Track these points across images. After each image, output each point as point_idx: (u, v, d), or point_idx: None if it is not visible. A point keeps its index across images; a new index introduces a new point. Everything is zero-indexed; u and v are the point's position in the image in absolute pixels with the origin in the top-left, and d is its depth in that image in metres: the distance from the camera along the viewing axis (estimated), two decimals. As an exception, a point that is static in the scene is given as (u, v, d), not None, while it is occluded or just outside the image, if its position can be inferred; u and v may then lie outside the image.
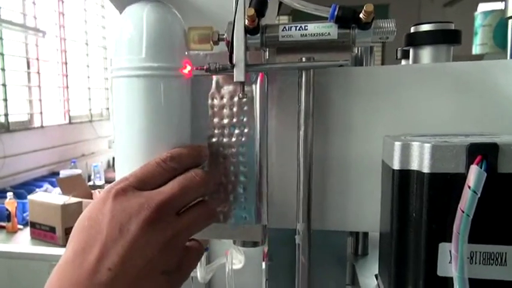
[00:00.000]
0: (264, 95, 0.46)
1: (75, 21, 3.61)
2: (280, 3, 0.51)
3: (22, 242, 1.95)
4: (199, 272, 0.59)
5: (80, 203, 1.94)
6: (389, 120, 0.47)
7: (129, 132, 0.41)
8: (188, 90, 0.43)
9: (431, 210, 0.36)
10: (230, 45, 0.42)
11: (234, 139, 0.46)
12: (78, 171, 2.80)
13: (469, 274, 0.34)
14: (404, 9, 4.68)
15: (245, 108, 0.45)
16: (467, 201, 0.33)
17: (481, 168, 0.33)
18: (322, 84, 0.47)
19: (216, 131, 0.46)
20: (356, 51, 0.59)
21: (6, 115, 2.76)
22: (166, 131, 0.41)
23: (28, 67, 3.05)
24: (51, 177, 2.91)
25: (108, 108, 4.21)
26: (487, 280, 0.35)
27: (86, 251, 0.34)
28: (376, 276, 0.48)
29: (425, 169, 0.36)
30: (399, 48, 0.74)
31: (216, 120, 0.46)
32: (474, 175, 0.33)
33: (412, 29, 0.56)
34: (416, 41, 0.55)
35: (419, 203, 0.37)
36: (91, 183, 3.01)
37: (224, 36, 0.44)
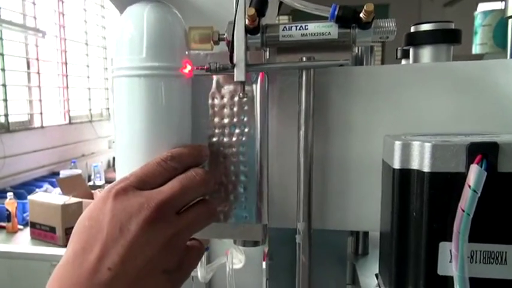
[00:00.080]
0: (264, 94, 0.46)
1: (75, 21, 3.61)
2: (281, 3, 0.52)
3: (22, 242, 1.95)
4: (200, 272, 0.59)
5: (80, 203, 1.95)
6: (389, 119, 0.47)
7: (130, 132, 0.41)
8: (189, 90, 0.43)
9: (431, 209, 0.36)
10: (230, 45, 0.42)
11: (234, 139, 0.46)
12: (78, 171, 2.80)
13: (469, 273, 0.34)
14: (405, 9, 4.68)
15: (245, 107, 0.46)
16: (467, 200, 0.33)
17: (481, 167, 0.33)
18: (322, 84, 0.48)
19: (216, 131, 0.46)
20: (356, 51, 0.59)
21: (6, 115, 2.77)
22: (167, 131, 0.41)
23: (28, 67, 3.05)
24: (51, 177, 2.91)
25: (108, 109, 4.21)
26: (487, 279, 0.35)
27: (86, 250, 0.34)
28: (376, 275, 0.48)
29: (426, 168, 0.36)
30: (399, 48, 0.74)
31: (216, 119, 0.46)
32: (474, 174, 0.33)
33: (412, 29, 0.56)
34: (416, 40, 0.55)
35: (420, 202, 0.37)
36: (91, 183, 3.02)
37: (224, 36, 0.44)
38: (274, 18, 0.63)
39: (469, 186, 0.33)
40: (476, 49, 1.61)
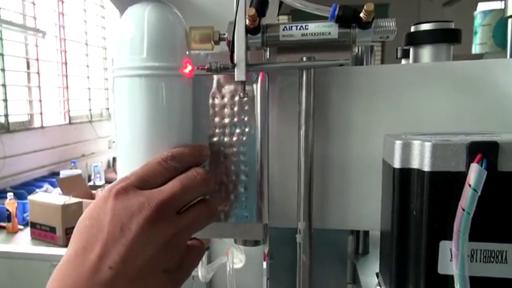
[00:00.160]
0: (264, 94, 0.46)
1: (75, 21, 3.61)
2: (281, 3, 0.52)
3: (22, 243, 1.95)
4: (201, 271, 0.59)
5: (80, 203, 1.95)
6: (389, 119, 0.47)
7: (131, 132, 0.41)
8: (189, 89, 0.43)
9: (432, 208, 0.36)
10: (231, 44, 0.42)
11: (235, 138, 0.46)
12: (78, 171, 2.80)
13: (469, 272, 0.34)
14: (404, 9, 4.68)
15: (246, 107, 0.46)
16: (467, 199, 0.33)
17: (481, 166, 0.33)
18: (322, 84, 0.48)
19: (217, 130, 0.46)
20: (356, 51, 0.59)
21: (6, 115, 2.77)
22: (168, 131, 0.41)
23: (28, 67, 3.05)
24: (52, 177, 2.91)
25: (108, 109, 4.21)
26: (488, 278, 0.36)
27: (87, 249, 0.34)
28: (377, 274, 0.49)
29: (426, 167, 0.36)
30: (399, 48, 0.74)
31: (217, 119, 0.46)
32: (474, 173, 0.33)
33: (413, 28, 0.56)
34: (416, 40, 0.55)
35: (420, 202, 0.37)
36: (91, 183, 3.02)
37: (225, 36, 0.44)
38: (275, 18, 0.64)
39: (470, 185, 0.33)
40: (476, 49, 1.61)
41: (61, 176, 2.63)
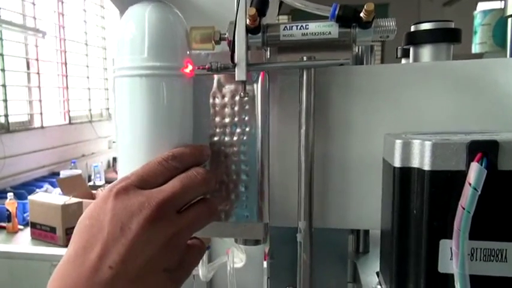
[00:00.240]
0: (265, 94, 0.46)
1: (74, 21, 3.61)
2: (281, 3, 0.52)
3: (22, 243, 1.95)
4: (201, 270, 0.60)
5: (80, 203, 1.95)
6: (389, 118, 0.47)
7: (132, 132, 0.41)
8: (190, 89, 0.43)
9: (432, 207, 0.36)
10: (232, 44, 0.42)
11: (235, 138, 0.46)
12: (78, 171, 2.80)
13: (469, 271, 0.34)
14: (404, 9, 4.68)
15: (246, 107, 0.46)
16: (467, 198, 0.33)
17: (481, 165, 0.33)
18: (323, 83, 0.48)
19: (217, 130, 0.46)
20: (356, 50, 0.59)
21: (6, 116, 2.77)
22: (169, 130, 0.41)
23: (28, 68, 3.05)
24: (52, 177, 2.91)
25: (108, 109, 4.21)
26: (488, 276, 0.36)
27: (87, 249, 0.34)
28: (377, 273, 0.49)
29: (426, 167, 0.36)
30: (399, 47, 0.74)
31: (217, 119, 0.46)
32: (474, 172, 0.33)
33: (413, 28, 0.56)
34: (416, 39, 0.55)
35: (420, 200, 0.37)
36: (91, 183, 3.02)
37: (226, 36, 0.44)
38: (275, 17, 0.64)
39: (470, 184, 0.33)
40: (475, 48, 1.62)
41: (61, 176, 2.63)
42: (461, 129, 0.44)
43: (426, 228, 0.36)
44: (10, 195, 2.09)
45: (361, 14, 0.42)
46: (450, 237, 0.35)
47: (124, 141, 0.42)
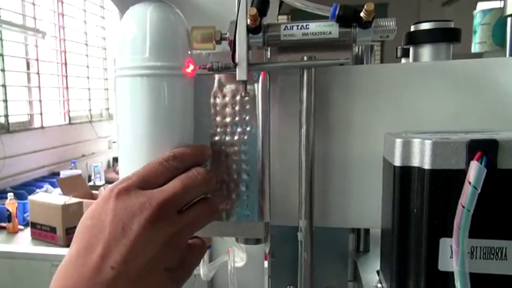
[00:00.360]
0: (266, 93, 0.46)
1: (74, 22, 3.61)
2: (281, 3, 0.52)
3: (23, 243, 1.95)
4: (203, 270, 0.60)
5: (81, 203, 1.95)
6: (390, 117, 0.48)
7: (133, 132, 0.41)
8: (191, 89, 0.43)
9: (432, 206, 0.36)
10: (233, 44, 0.42)
11: (236, 137, 0.46)
12: (78, 171, 2.81)
13: (469, 269, 0.34)
14: (403, 8, 4.68)
15: (247, 106, 0.46)
16: (467, 196, 0.33)
17: (481, 164, 0.34)
18: (323, 83, 0.48)
19: (218, 130, 0.47)
20: (356, 50, 0.59)
21: (6, 116, 2.77)
22: (170, 130, 0.41)
23: (28, 68, 3.05)
24: (52, 177, 2.92)
25: (108, 109, 4.22)
26: (488, 274, 0.36)
27: (89, 250, 0.35)
28: (377, 272, 0.49)
29: (426, 165, 0.36)
30: (399, 47, 0.74)
31: (218, 118, 0.47)
32: (474, 171, 0.34)
33: (412, 28, 0.56)
34: (416, 39, 0.55)
35: (420, 199, 0.37)
36: (91, 183, 3.02)
37: (226, 36, 0.44)
38: (275, 17, 0.64)
39: (469, 183, 0.33)
40: (475, 48, 1.62)
41: (61, 176, 2.63)
42: (461, 129, 0.44)
43: (426, 226, 0.37)
44: (10, 195, 2.09)
45: (361, 14, 0.42)
46: (450, 236, 0.35)
47: (125, 141, 0.42)
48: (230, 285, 0.62)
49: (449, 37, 0.54)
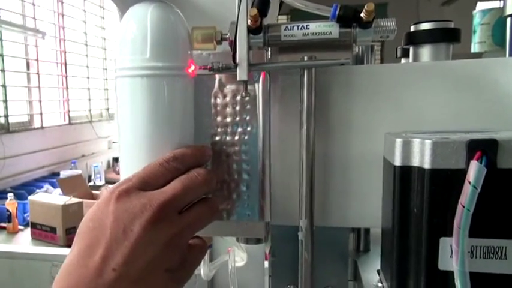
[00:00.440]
0: (266, 93, 0.46)
1: (74, 22, 3.61)
2: (281, 3, 0.52)
3: (23, 243, 1.95)
4: (203, 269, 0.60)
5: (81, 203, 1.95)
6: (390, 117, 0.48)
7: (133, 132, 0.41)
8: (191, 89, 0.44)
9: (432, 205, 0.36)
10: (233, 44, 0.42)
11: (237, 137, 0.46)
12: (78, 171, 2.81)
13: (469, 268, 0.34)
14: (403, 8, 4.68)
15: (248, 106, 0.46)
16: (467, 196, 0.34)
17: (481, 163, 0.34)
18: (323, 83, 0.48)
19: (219, 130, 0.47)
20: (357, 50, 0.59)
21: (6, 116, 2.77)
22: (170, 130, 0.41)
23: (28, 68, 3.05)
24: (52, 177, 2.92)
25: (107, 109, 4.22)
26: (488, 274, 0.36)
27: (91, 251, 0.35)
28: (378, 271, 0.49)
29: (426, 165, 0.36)
30: (399, 47, 0.75)
31: (219, 118, 0.47)
32: (474, 170, 0.34)
33: (412, 28, 0.56)
34: (416, 39, 0.55)
35: (421, 199, 0.37)
36: (91, 183, 3.02)
37: (227, 36, 0.45)
38: (275, 18, 0.64)
39: (469, 183, 0.34)
40: (475, 47, 1.62)
41: (61, 176, 2.63)
42: (461, 128, 0.44)
43: (426, 226, 0.37)
44: (10, 195, 2.09)
45: (362, 14, 0.43)
46: (450, 235, 0.35)
47: (126, 141, 0.42)
48: (231, 284, 0.62)
49: (449, 37, 0.54)
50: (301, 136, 0.46)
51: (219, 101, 0.47)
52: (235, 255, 0.62)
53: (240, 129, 0.46)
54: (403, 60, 0.74)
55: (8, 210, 2.03)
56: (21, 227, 2.09)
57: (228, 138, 0.47)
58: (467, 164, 0.34)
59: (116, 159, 3.61)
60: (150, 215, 0.35)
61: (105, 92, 4.21)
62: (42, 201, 1.97)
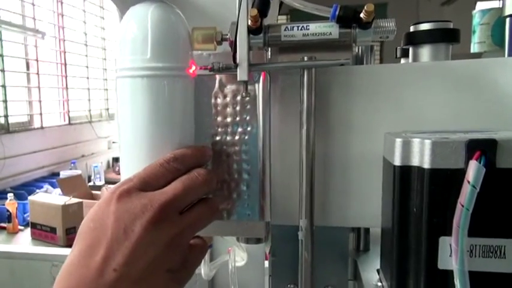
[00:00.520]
0: (266, 93, 0.46)
1: (74, 22, 3.61)
2: (281, 3, 0.52)
3: (23, 243, 1.95)
4: (203, 269, 0.60)
5: (81, 203, 1.95)
6: (390, 117, 0.48)
7: (133, 132, 0.41)
8: (191, 90, 0.44)
9: (431, 205, 0.37)
10: (233, 45, 0.42)
11: (237, 137, 0.47)
12: (78, 171, 2.80)
13: (469, 267, 0.35)
14: (403, 8, 4.68)
15: (248, 107, 0.46)
16: (466, 195, 0.34)
17: (480, 163, 0.34)
18: (323, 83, 0.48)
19: (219, 130, 0.47)
20: (356, 51, 0.60)
21: (6, 116, 2.77)
22: (170, 131, 0.42)
23: (27, 68, 3.05)
24: (52, 178, 2.92)
25: (107, 109, 4.21)
26: (487, 273, 0.36)
27: (92, 252, 0.35)
28: (377, 270, 0.49)
29: (426, 165, 0.36)
30: (398, 47, 0.75)
31: (219, 119, 0.47)
32: (473, 170, 0.34)
33: (412, 28, 0.56)
34: (416, 39, 0.55)
35: (420, 198, 0.37)
36: (91, 183, 3.02)
37: (227, 36, 0.45)
38: (275, 18, 0.64)
39: (468, 182, 0.34)
40: (474, 47, 1.62)
41: (61, 176, 2.63)
42: (460, 128, 0.44)
43: (426, 225, 0.37)
44: (10, 195, 2.09)
45: (361, 15, 0.43)
46: (449, 235, 0.35)
47: (126, 141, 0.42)
48: (231, 284, 0.62)
49: (448, 37, 0.54)
50: (301, 136, 0.46)
51: (219, 101, 0.47)
52: (236, 255, 0.62)
53: (240, 129, 0.46)
54: (402, 61, 0.74)
55: (8, 211, 2.03)
56: (21, 227, 2.08)
57: (228, 138, 0.47)
58: (467, 163, 0.35)
59: (115, 159, 3.61)
60: (151, 215, 0.35)
61: (105, 92, 4.21)
62: (42, 201, 1.97)
